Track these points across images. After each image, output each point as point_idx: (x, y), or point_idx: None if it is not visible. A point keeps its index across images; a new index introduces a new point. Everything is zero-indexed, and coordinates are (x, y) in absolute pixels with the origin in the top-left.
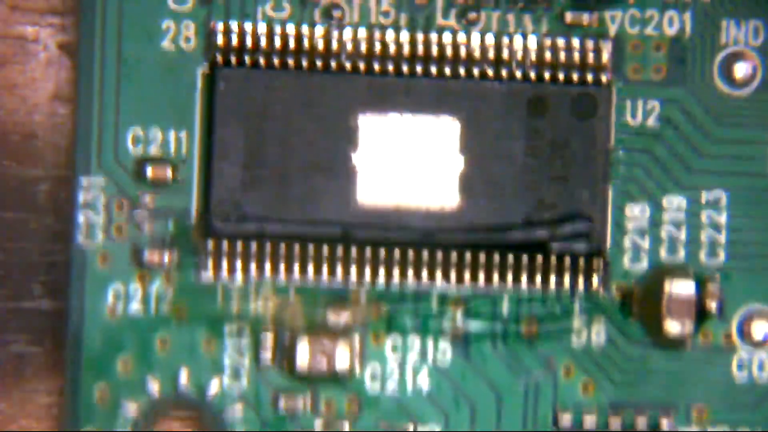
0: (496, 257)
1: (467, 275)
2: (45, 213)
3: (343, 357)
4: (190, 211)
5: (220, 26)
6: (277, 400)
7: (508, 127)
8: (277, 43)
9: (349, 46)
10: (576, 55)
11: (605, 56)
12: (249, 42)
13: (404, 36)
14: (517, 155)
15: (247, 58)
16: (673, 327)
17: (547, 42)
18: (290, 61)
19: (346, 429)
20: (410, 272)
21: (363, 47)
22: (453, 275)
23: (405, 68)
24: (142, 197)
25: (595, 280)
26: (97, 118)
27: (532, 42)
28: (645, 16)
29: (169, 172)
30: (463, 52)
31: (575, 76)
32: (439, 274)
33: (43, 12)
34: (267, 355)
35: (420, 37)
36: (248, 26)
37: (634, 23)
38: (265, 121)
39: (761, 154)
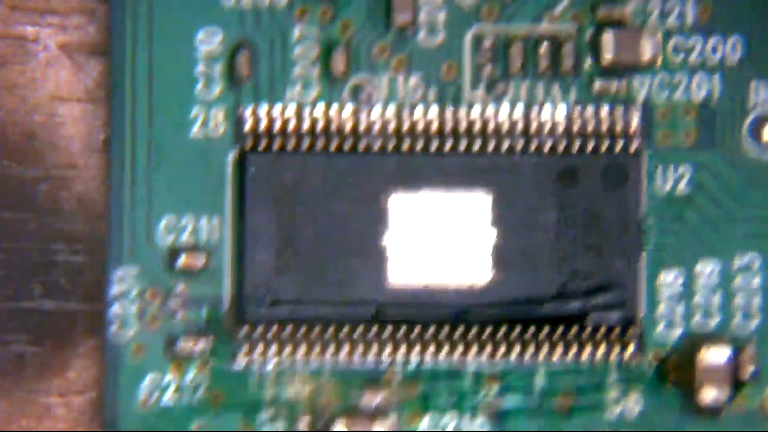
0: (531, 331)
1: (501, 350)
2: (45, 213)
3: None
4: (223, 297)
5: (249, 111)
6: None
7: (540, 199)
8: (306, 125)
9: (378, 125)
10: (605, 124)
11: (634, 124)
12: (278, 125)
13: (433, 112)
14: (550, 227)
15: (276, 142)
16: (708, 395)
17: (576, 111)
18: (319, 143)
19: None
20: (444, 350)
21: (392, 125)
22: (487, 351)
23: (434, 145)
24: (175, 286)
25: (629, 349)
26: (129, 209)
27: (561, 112)
28: (673, 81)
29: (201, 260)
30: (492, 125)
31: (605, 145)
32: (473, 350)
33: (43, 12)
34: None
35: (449, 112)
36: (277, 109)
37: (663, 89)
38: (296, 204)
39: None
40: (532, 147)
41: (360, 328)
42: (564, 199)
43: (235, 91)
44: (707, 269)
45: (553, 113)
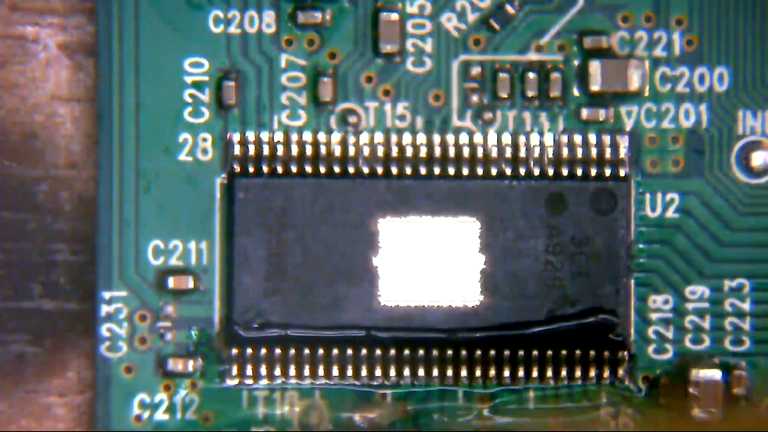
0: (521, 353)
1: (492, 372)
2: (45, 213)
3: None
4: (213, 319)
5: (237, 137)
6: None
7: (529, 224)
8: (294, 150)
9: (366, 151)
10: (593, 151)
11: (622, 151)
12: (266, 151)
13: (421, 138)
14: (539, 252)
15: (264, 167)
16: (700, 416)
17: (564, 139)
18: (308, 168)
19: None
20: (435, 371)
21: (380, 151)
22: (478, 372)
23: (423, 170)
24: (165, 308)
25: (620, 371)
26: (118, 233)
27: (549, 139)
28: (661, 109)
29: (190, 282)
30: (480, 152)
31: (593, 172)
32: (464, 371)
33: (43, 12)
34: None
35: (437, 139)
36: (265, 135)
37: (651, 117)
38: (284, 228)
39: None
40: (521, 173)
41: (350, 349)
42: (553, 225)
43: (223, 117)
44: (697, 293)
45: (542, 140)
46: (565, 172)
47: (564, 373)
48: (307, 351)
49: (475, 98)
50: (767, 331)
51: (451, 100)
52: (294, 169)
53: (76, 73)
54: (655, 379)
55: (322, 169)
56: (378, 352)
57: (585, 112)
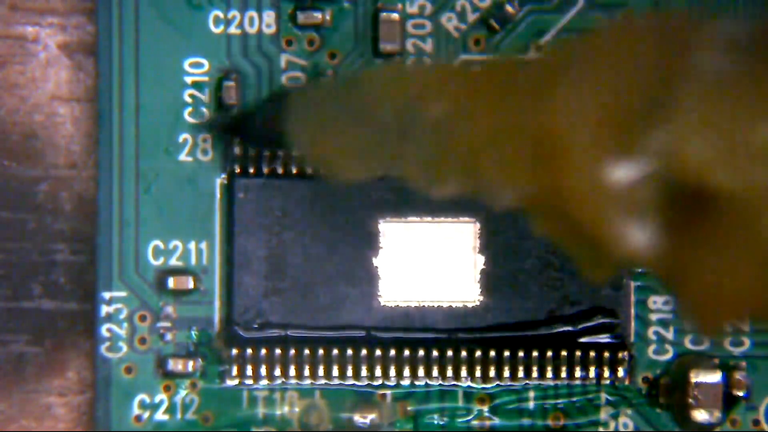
0: (521, 353)
1: (492, 372)
2: (45, 213)
3: None
4: (213, 319)
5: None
6: None
7: (528, 225)
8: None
9: None
10: None
11: None
12: (266, 151)
13: None
14: (539, 253)
15: (264, 167)
16: (700, 416)
17: None
18: (308, 169)
19: None
20: (435, 371)
21: None
22: (478, 372)
23: None
24: (165, 308)
25: (620, 371)
26: (118, 233)
27: None
28: None
29: (190, 283)
30: None
31: None
32: (464, 371)
33: (43, 12)
34: None
35: None
36: None
37: None
38: (284, 228)
39: None
40: None
41: (350, 349)
42: None
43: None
44: None
45: None
46: None
47: (564, 373)
48: (307, 351)
49: None
50: (767, 331)
51: None
52: (294, 169)
53: (76, 73)
54: (655, 379)
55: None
56: (378, 352)
57: None
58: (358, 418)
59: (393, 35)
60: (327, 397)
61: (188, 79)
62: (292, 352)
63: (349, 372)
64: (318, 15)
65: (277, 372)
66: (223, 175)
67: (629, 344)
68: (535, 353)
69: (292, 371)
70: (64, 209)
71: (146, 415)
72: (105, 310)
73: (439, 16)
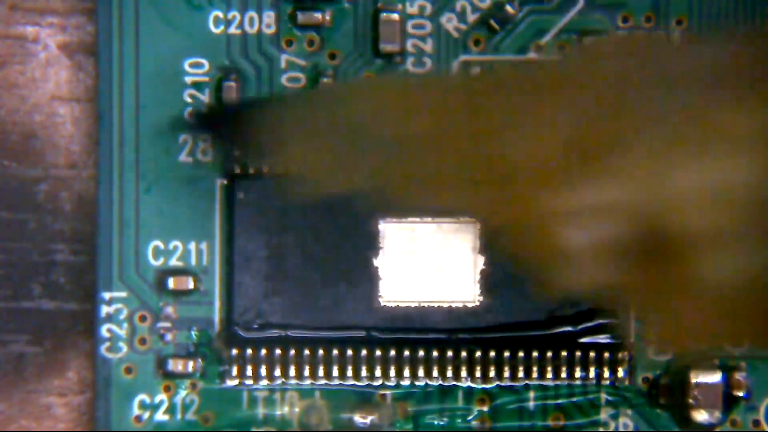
0: (521, 353)
1: (492, 372)
2: (45, 213)
3: None
4: (213, 320)
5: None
6: None
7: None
8: None
9: None
10: None
11: None
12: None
13: None
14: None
15: (264, 167)
16: (700, 416)
17: None
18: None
19: None
20: (435, 371)
21: None
22: (478, 372)
23: None
24: (165, 308)
25: (620, 371)
26: (118, 233)
27: None
28: None
29: (190, 283)
30: None
31: None
32: (463, 371)
33: (43, 12)
34: None
35: None
36: None
37: None
38: (285, 229)
39: None
40: None
41: (351, 350)
42: None
43: None
44: None
45: None
46: None
47: (564, 373)
48: (307, 351)
49: None
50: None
51: None
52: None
53: (76, 73)
54: (655, 379)
55: None
56: (378, 352)
57: None
58: (358, 419)
59: (393, 35)
60: (327, 397)
61: (188, 80)
62: (292, 352)
63: (349, 372)
64: (318, 15)
65: (277, 372)
66: (223, 176)
67: (629, 344)
68: (535, 353)
69: (292, 371)
70: (64, 209)
71: (146, 415)
72: (105, 310)
73: (439, 17)
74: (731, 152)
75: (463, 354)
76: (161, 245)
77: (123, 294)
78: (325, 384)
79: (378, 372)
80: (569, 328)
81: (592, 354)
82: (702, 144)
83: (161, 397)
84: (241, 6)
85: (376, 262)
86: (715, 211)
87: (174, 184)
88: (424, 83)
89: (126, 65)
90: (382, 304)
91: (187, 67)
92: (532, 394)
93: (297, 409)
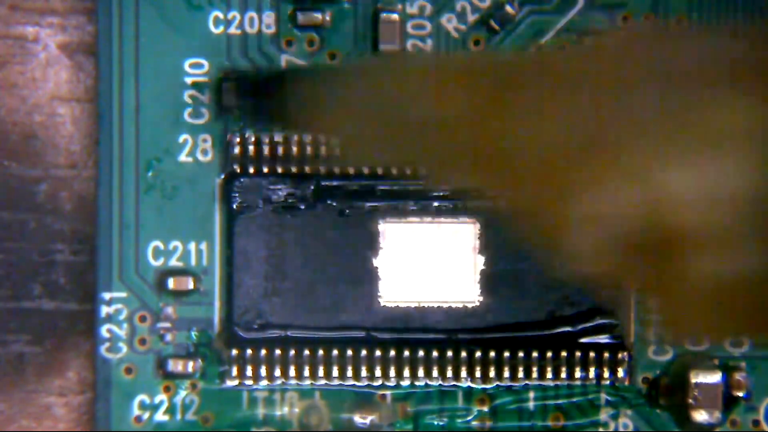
0: (521, 353)
1: (492, 372)
2: (45, 213)
3: None
4: (213, 320)
5: (237, 138)
6: None
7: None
8: (294, 150)
9: None
10: None
11: None
12: (266, 151)
13: None
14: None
15: (264, 167)
16: (700, 417)
17: None
18: (307, 168)
19: None
20: (435, 371)
21: None
22: (478, 373)
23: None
24: (165, 309)
25: (620, 372)
26: (118, 233)
27: None
28: None
29: (190, 283)
30: None
31: None
32: (463, 372)
33: (43, 12)
34: None
35: None
36: (265, 135)
37: None
38: (285, 229)
39: None
40: None
41: (350, 350)
42: None
43: (223, 118)
44: None
45: None
46: None
47: (564, 373)
48: (307, 352)
49: None
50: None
51: None
52: (294, 169)
53: (76, 73)
54: (655, 379)
55: (323, 169)
56: (378, 352)
57: None
58: (358, 419)
59: (393, 36)
60: (327, 397)
61: (188, 80)
62: (292, 352)
63: (349, 372)
64: (318, 15)
65: (277, 372)
66: (223, 175)
67: (629, 344)
68: (535, 354)
69: (292, 372)
70: (64, 209)
71: (146, 415)
72: (105, 310)
73: (439, 17)
74: (737, 147)
75: (463, 354)
76: (161, 245)
77: (123, 294)
78: (325, 384)
79: (378, 372)
80: (569, 328)
81: (592, 354)
82: (714, 134)
83: (161, 397)
84: (241, 6)
85: (375, 262)
86: (716, 206)
87: (174, 184)
88: (457, 62)
89: (126, 65)
90: (382, 304)
91: (187, 68)
92: (531, 395)
93: (297, 410)
